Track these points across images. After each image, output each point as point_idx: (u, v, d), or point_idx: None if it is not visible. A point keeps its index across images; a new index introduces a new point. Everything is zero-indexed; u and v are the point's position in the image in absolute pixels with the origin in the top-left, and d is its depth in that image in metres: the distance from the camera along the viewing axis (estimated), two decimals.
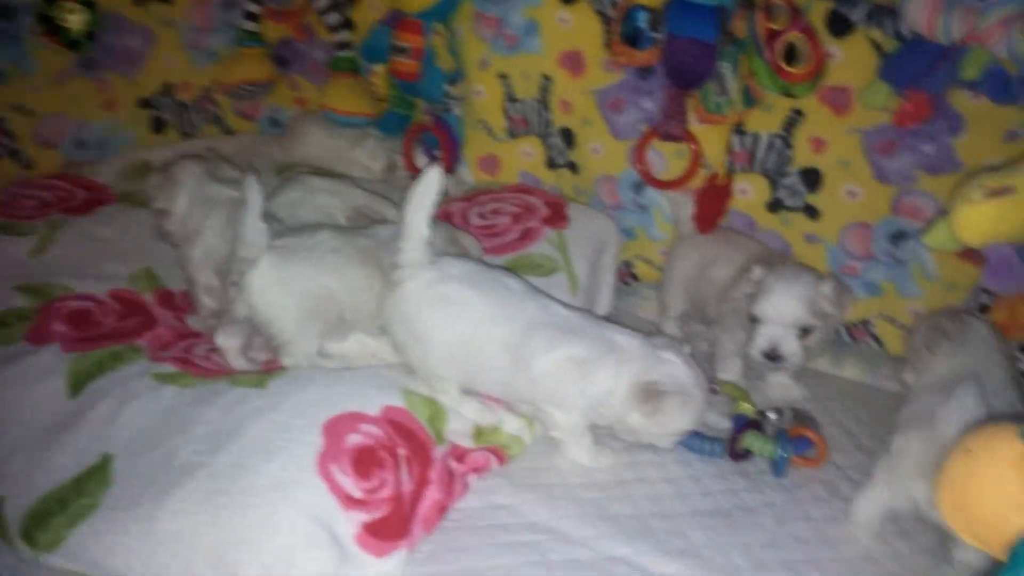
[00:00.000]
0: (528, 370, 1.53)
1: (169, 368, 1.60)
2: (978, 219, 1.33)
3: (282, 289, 1.61)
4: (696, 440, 1.65)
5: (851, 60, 1.86)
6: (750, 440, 1.63)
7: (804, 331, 1.73)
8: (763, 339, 1.73)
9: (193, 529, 1.27)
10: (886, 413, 1.69)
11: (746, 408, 1.71)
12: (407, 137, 2.42)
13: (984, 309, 1.85)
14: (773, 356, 1.73)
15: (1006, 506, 0.91)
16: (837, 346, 2.06)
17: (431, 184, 1.52)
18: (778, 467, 1.61)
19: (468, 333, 1.54)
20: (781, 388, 1.90)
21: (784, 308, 1.72)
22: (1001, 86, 1.69)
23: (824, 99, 1.92)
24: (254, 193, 1.56)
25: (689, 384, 1.52)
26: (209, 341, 1.76)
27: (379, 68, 2.43)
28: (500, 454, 1.59)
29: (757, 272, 1.77)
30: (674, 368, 1.52)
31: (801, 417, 1.74)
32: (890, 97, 1.80)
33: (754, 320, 1.75)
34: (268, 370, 1.63)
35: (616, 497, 1.54)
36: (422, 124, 2.39)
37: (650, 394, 1.50)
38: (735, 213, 2.13)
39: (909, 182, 1.88)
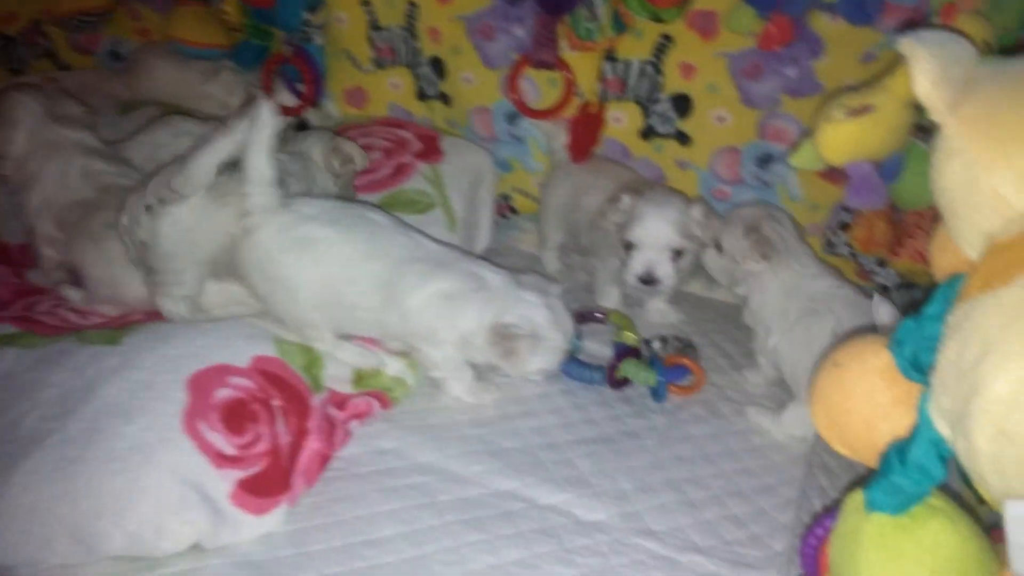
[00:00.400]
0: (401, 306, 1.48)
1: (9, 328, 1.47)
2: (841, 138, 1.36)
3: (204, 229, 1.51)
4: (577, 368, 1.66)
5: None
6: (628, 368, 1.65)
7: (677, 254, 1.75)
8: (638, 264, 1.75)
9: (46, 502, 1.17)
10: None
11: (628, 336, 1.74)
12: (266, 69, 2.26)
13: (844, 227, 1.94)
14: (648, 280, 1.75)
15: (876, 415, 0.94)
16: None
17: (265, 122, 1.42)
18: (657, 393, 1.64)
19: (336, 273, 1.48)
20: (659, 314, 1.94)
21: (657, 232, 1.74)
22: (857, 7, 1.73)
23: (692, 24, 1.91)
24: (230, 139, 1.44)
25: (544, 327, 1.51)
26: (54, 296, 1.62)
27: None
28: (383, 398, 1.55)
29: (626, 200, 1.78)
30: (533, 310, 1.51)
31: (685, 346, 1.78)
32: (754, 20, 1.81)
33: (628, 247, 1.76)
34: (121, 325, 1.51)
35: (503, 432, 1.53)
36: (281, 55, 2.24)
37: (503, 336, 1.48)
38: (609, 141, 2.12)
39: (774, 105, 1.92)
